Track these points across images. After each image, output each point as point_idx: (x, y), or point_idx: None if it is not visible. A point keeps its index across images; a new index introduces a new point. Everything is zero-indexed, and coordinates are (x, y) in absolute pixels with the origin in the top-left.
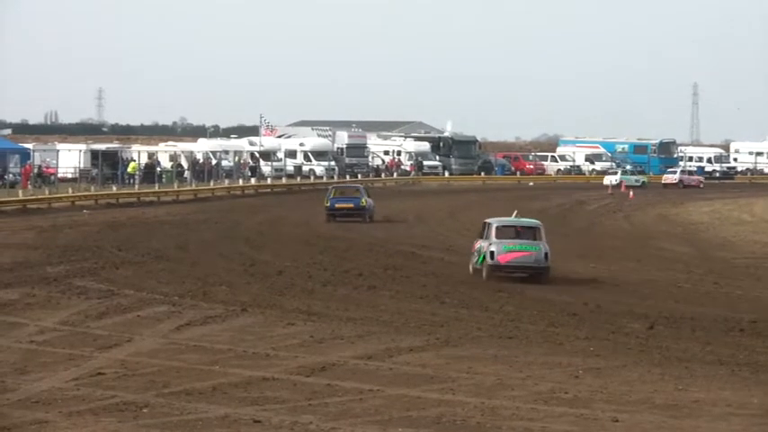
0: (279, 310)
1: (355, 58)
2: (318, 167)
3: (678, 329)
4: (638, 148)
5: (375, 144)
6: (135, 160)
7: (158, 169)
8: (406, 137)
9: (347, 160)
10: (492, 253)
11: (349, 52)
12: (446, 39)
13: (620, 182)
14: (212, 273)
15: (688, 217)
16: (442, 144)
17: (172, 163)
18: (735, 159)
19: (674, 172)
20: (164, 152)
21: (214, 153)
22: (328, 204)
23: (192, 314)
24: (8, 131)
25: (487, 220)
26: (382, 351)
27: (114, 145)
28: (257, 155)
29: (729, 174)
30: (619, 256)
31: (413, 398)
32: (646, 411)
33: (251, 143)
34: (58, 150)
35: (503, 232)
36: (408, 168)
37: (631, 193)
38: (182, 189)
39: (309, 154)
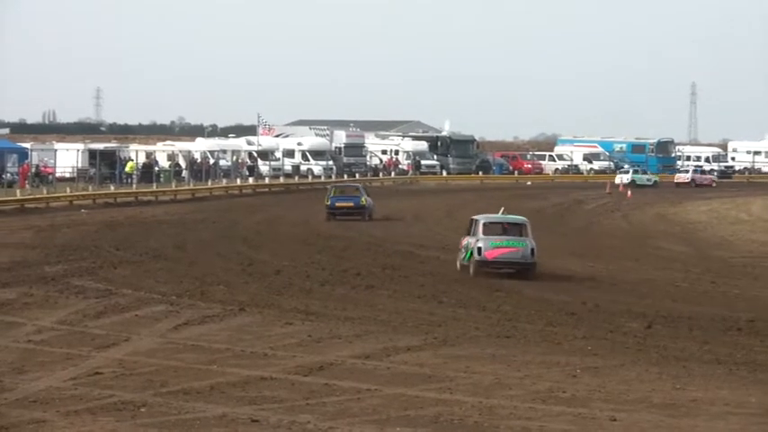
0: (277, 309)
1: (353, 57)
2: (316, 167)
3: (676, 329)
4: (636, 148)
5: (373, 143)
6: (133, 160)
7: (156, 169)
8: (403, 136)
9: (345, 160)
10: (479, 249)
11: (346, 52)
12: (443, 38)
13: (630, 180)
14: (210, 272)
15: (686, 216)
16: (439, 143)
17: (170, 162)
18: (733, 159)
19: (687, 171)
20: (161, 152)
21: (212, 152)
22: (329, 203)
23: (189, 313)
24: (6, 131)
25: (474, 217)
26: (380, 350)
27: (112, 144)
28: (255, 154)
29: (727, 173)
30: (617, 255)
31: (410, 397)
32: (644, 410)
33: (249, 143)
34: (56, 150)
35: (490, 229)
36: (406, 168)
37: (629, 192)
38: (179, 188)
39: (307, 153)
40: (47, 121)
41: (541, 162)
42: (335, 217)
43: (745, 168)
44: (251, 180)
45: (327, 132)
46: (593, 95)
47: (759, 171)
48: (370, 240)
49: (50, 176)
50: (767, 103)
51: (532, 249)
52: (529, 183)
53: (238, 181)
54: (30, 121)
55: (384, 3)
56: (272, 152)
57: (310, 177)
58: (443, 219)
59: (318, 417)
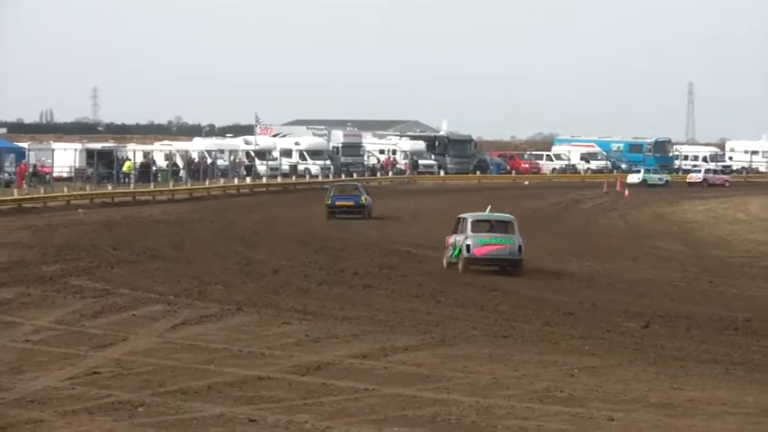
0: (274, 309)
1: (350, 57)
2: (314, 166)
3: (673, 328)
4: (634, 147)
5: (370, 143)
6: (130, 159)
7: (154, 168)
8: (401, 136)
9: (342, 159)
10: (468, 246)
11: (344, 51)
12: (441, 38)
13: (641, 180)
14: (207, 272)
15: (683, 216)
16: (437, 143)
17: (167, 162)
18: (730, 158)
19: (699, 170)
20: (159, 151)
21: (209, 152)
22: (329, 202)
23: (187, 313)
24: (3, 130)
25: (462, 215)
26: (378, 350)
27: (110, 144)
28: (253, 154)
29: (725, 172)
30: (614, 254)
31: (408, 397)
32: (641, 410)
33: (246, 142)
34: (54, 149)
35: (478, 226)
36: (404, 167)
37: (627, 191)
38: (177, 188)
39: (305, 153)
40: (44, 121)
41: (539, 162)
42: (336, 215)
43: (742, 168)
44: (248, 180)
45: (325, 132)
46: (591, 95)
47: (756, 171)
48: (367, 240)
49: (48, 176)
50: (765, 103)
51: (520, 246)
52: (527, 182)
53: (236, 181)
54: (27, 120)
55: (381, 3)
56: (270, 152)
57: (308, 177)
58: (441, 218)
59: (316, 416)
